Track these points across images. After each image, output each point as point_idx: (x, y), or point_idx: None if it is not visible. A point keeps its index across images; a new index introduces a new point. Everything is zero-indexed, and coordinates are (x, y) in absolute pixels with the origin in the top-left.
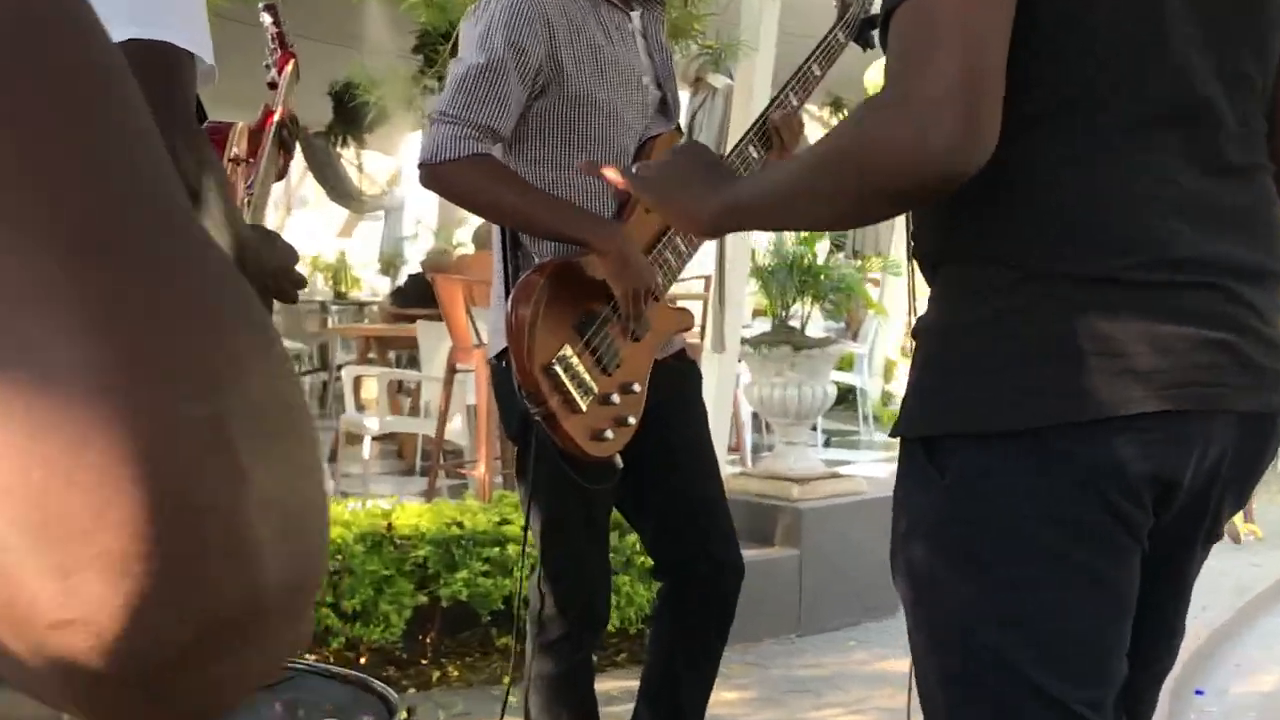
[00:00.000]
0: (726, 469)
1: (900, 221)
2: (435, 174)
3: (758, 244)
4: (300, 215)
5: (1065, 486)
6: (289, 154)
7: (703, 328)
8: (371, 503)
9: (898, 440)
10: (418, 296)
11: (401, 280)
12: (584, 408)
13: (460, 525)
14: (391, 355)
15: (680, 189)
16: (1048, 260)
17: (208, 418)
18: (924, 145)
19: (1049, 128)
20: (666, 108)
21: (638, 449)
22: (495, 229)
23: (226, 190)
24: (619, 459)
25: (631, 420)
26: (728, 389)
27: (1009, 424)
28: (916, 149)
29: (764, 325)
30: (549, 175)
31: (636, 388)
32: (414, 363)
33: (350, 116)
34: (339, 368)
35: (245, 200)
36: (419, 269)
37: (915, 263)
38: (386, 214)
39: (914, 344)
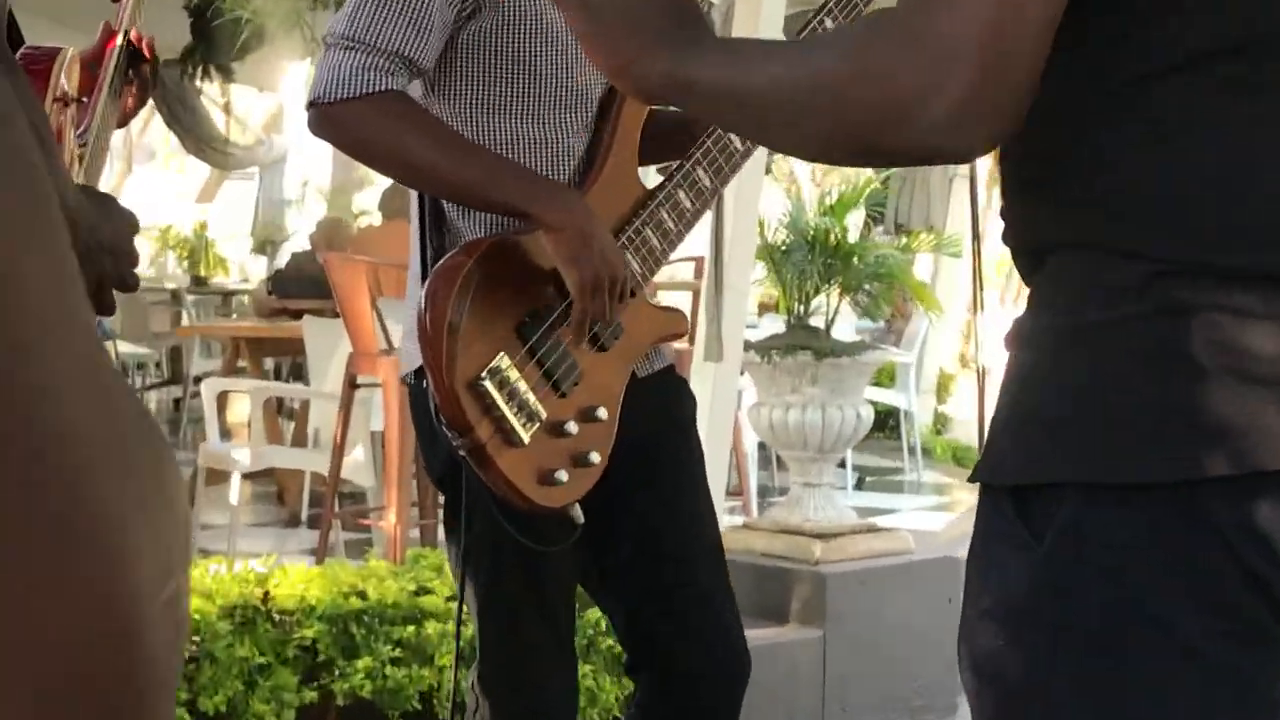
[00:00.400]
0: (725, 520)
1: (962, 183)
2: (329, 117)
3: (767, 215)
4: (144, 173)
5: (1213, 559)
6: (142, 91)
7: (692, 328)
8: (241, 565)
9: (954, 482)
10: (304, 284)
11: (282, 262)
12: (526, 439)
13: (362, 596)
14: (268, 364)
15: (620, 13)
16: (1192, 249)
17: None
18: (924, 104)
19: (1189, 80)
20: None
21: (606, 498)
22: (412, 195)
23: (48, 142)
24: (578, 511)
25: (595, 458)
26: (726, 412)
27: (1143, 473)
28: (914, 105)
29: (775, 325)
30: (483, 122)
31: (602, 413)
32: (299, 374)
33: (214, 40)
34: (197, 380)
35: (76, 154)
36: (306, 246)
37: (1011, 251)
38: (262, 172)
39: (1008, 353)
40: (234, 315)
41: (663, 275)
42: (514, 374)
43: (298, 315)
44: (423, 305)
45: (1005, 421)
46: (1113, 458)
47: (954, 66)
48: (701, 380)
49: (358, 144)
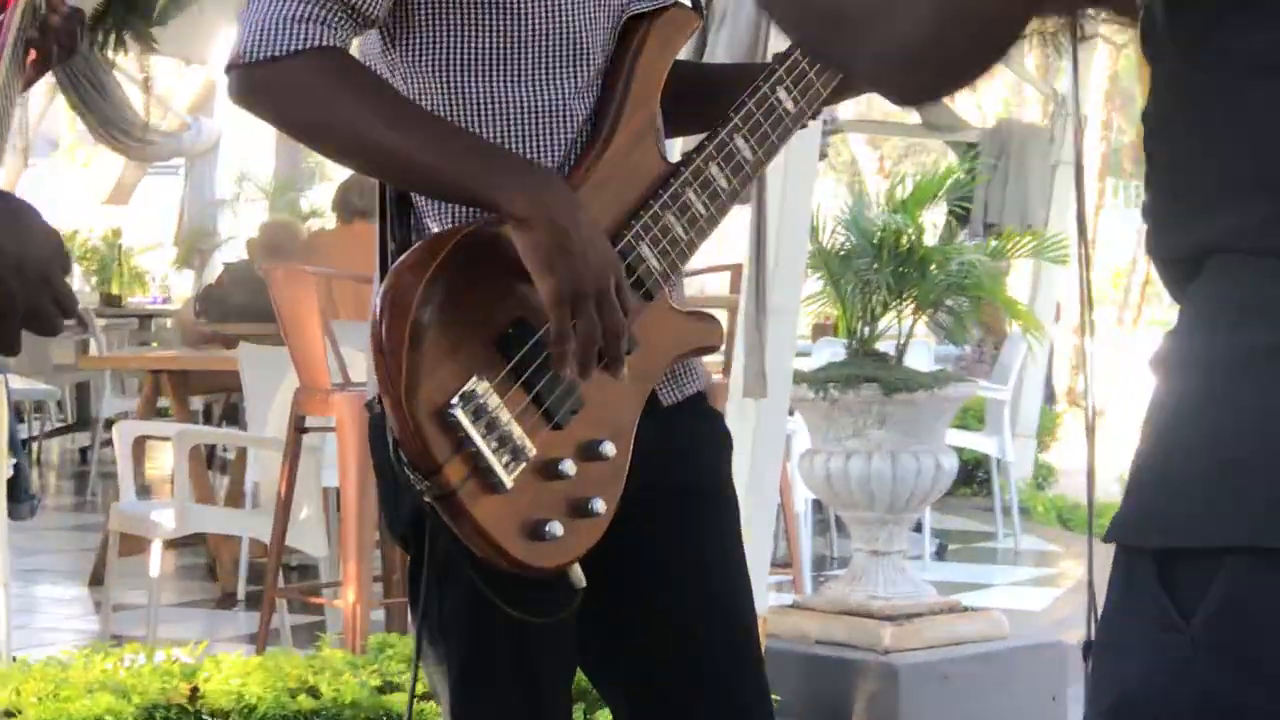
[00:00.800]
0: (769, 598)
1: (1067, 171)
2: (252, 81)
3: (823, 210)
4: (44, 166)
5: None
6: (48, 51)
7: (729, 357)
8: (164, 654)
9: (1059, 549)
10: (240, 303)
11: (213, 276)
12: (509, 482)
13: (313, 693)
14: (196, 403)
15: None
16: None
17: None
18: (871, 28)
19: None
20: None
21: (613, 559)
22: (375, 184)
23: None
24: (578, 573)
25: (599, 506)
26: (771, 461)
27: None
28: (862, 27)
29: (832, 351)
30: (453, 83)
31: (609, 449)
32: (234, 415)
33: (130, 0)
34: (108, 424)
35: None
36: (243, 255)
37: (1151, 262)
38: (189, 164)
39: (1155, 381)
40: (154, 344)
41: (690, 287)
42: (493, 399)
43: (232, 343)
44: (377, 313)
45: (1149, 466)
46: None
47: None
48: (741, 421)
49: (286, 114)
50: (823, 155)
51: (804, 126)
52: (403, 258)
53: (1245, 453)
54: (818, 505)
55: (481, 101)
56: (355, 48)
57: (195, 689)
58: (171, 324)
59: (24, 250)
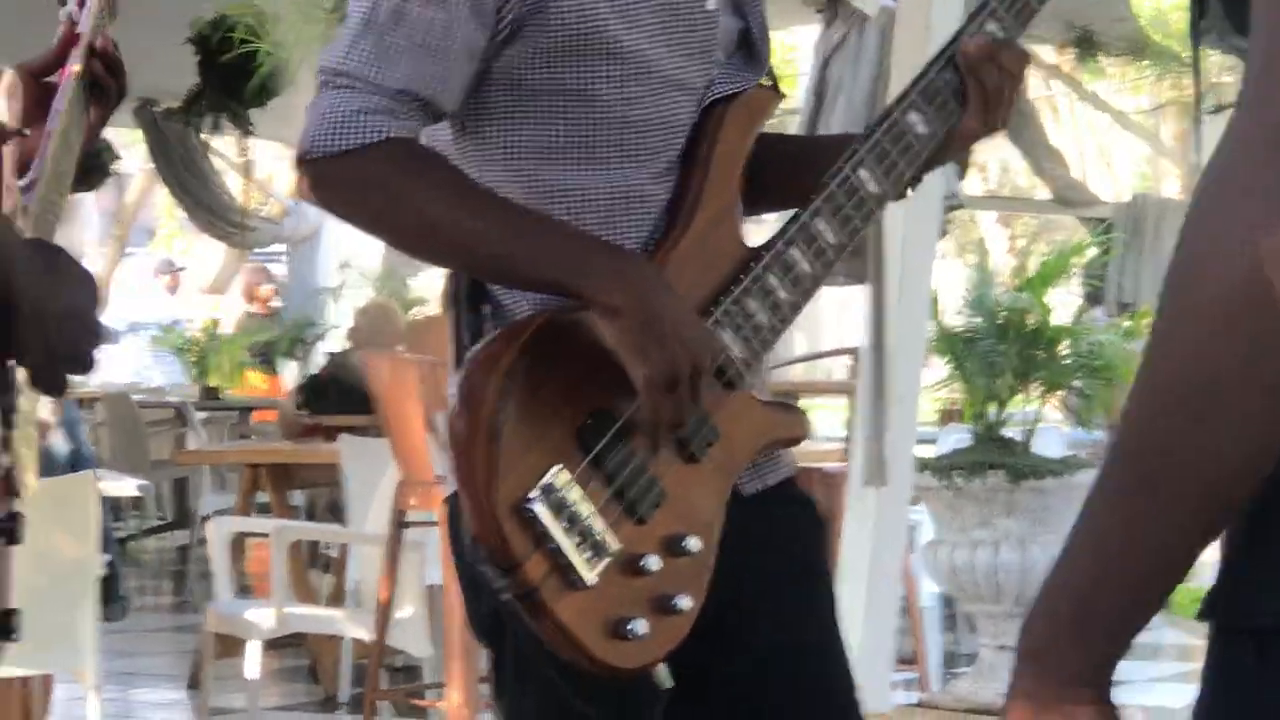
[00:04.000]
0: (895, 696)
1: None
2: (322, 175)
3: (944, 287)
4: (141, 255)
5: None
6: (105, 107)
7: (846, 442)
8: None
9: (1202, 643)
10: (342, 394)
11: (316, 367)
12: (591, 579)
13: None
14: (297, 498)
15: None
16: None
17: None
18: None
19: None
20: (751, 46)
21: (702, 657)
22: (446, 275)
23: None
24: (664, 673)
25: (685, 603)
26: (893, 549)
27: None
28: None
29: (958, 437)
30: (528, 172)
31: (694, 544)
32: (337, 510)
33: (227, 81)
34: (203, 519)
35: (20, 203)
36: (346, 345)
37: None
38: (291, 250)
39: None
40: (254, 437)
41: (817, 371)
42: (574, 493)
43: (334, 435)
44: (453, 406)
45: (1248, 533)
46: None
47: None
48: (861, 511)
49: (357, 208)
50: (944, 233)
51: (884, 204)
52: (477, 348)
53: None
54: (947, 599)
55: (557, 188)
56: (423, 136)
57: None
58: (276, 418)
59: (63, 297)
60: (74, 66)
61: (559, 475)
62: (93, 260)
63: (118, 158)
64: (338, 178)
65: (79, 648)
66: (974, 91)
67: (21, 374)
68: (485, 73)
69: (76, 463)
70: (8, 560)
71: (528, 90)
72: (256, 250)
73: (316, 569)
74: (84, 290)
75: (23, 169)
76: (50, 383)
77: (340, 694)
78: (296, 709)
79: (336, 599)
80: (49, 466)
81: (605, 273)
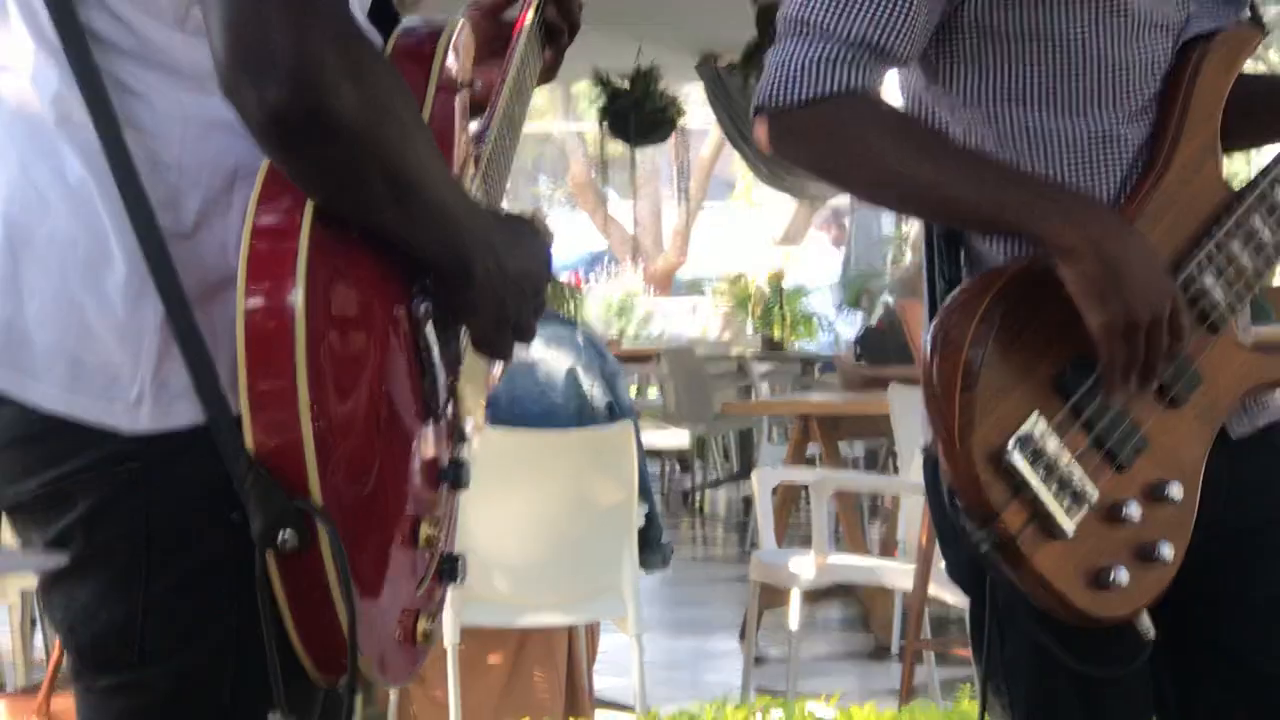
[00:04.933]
0: None
1: None
2: (786, 126)
3: None
4: (720, 209)
5: None
6: (558, 49)
7: None
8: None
9: None
10: (899, 344)
11: (875, 318)
12: (1071, 529)
13: None
14: (854, 449)
15: None
16: None
17: None
18: None
19: None
20: None
21: (1185, 606)
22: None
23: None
24: (1147, 622)
25: (1167, 552)
26: None
27: None
28: None
29: None
30: (998, 116)
31: (1175, 491)
32: (889, 459)
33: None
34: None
35: (471, 154)
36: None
37: None
38: (855, 202)
39: None
40: (816, 390)
41: None
42: (1052, 441)
43: (884, 384)
44: (928, 353)
45: None
46: None
47: None
48: None
49: (817, 158)
50: None
51: None
52: (953, 295)
53: None
54: None
55: (1031, 133)
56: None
57: None
58: (836, 367)
59: (522, 268)
60: (528, 12)
61: (1036, 423)
62: (668, 214)
63: (682, 112)
64: (796, 129)
65: (621, 596)
66: None
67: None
68: (953, 20)
69: (614, 413)
70: (455, 506)
71: (998, 35)
72: (823, 205)
73: (877, 520)
74: (536, 257)
75: (475, 112)
76: (496, 348)
77: (891, 645)
78: (845, 658)
79: (888, 549)
80: (588, 417)
81: (1061, 217)
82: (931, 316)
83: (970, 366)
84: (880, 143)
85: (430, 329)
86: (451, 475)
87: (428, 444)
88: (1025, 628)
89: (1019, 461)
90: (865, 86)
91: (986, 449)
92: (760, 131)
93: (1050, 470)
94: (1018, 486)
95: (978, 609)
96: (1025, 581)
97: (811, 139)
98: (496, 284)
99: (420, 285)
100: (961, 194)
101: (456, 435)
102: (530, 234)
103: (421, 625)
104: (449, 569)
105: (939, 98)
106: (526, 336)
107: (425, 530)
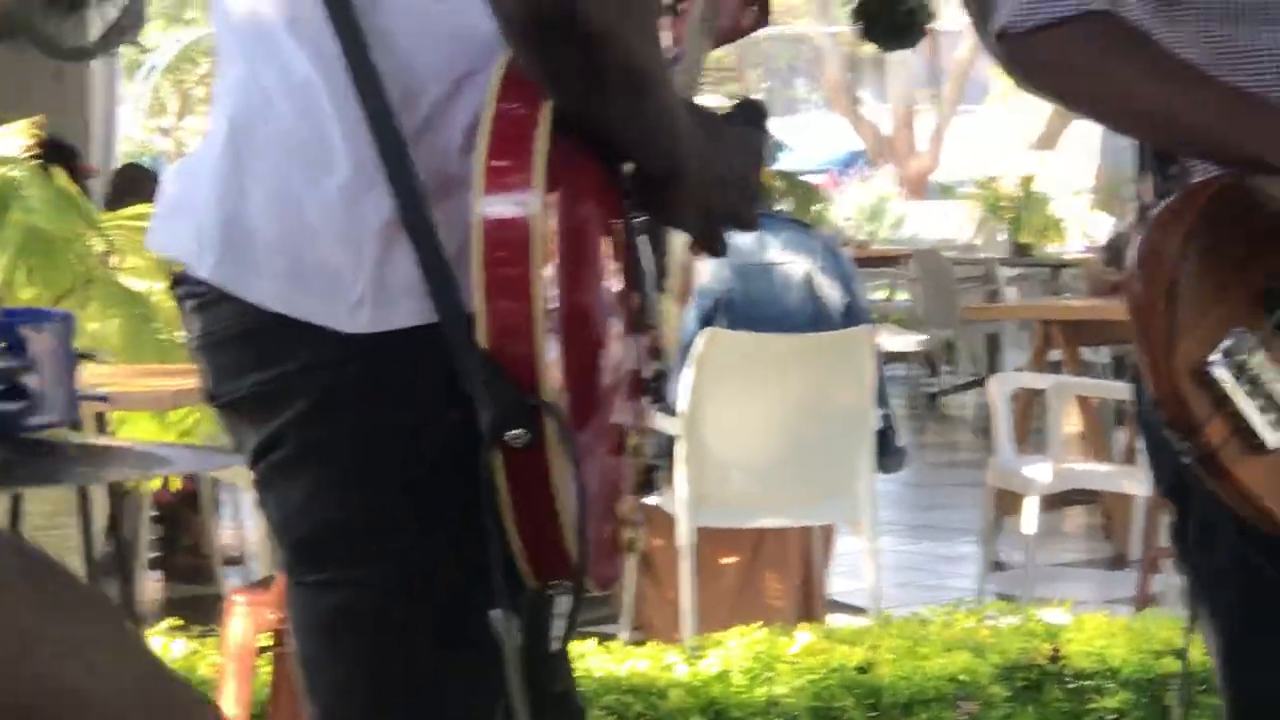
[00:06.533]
0: None
1: None
2: (1026, 51)
3: None
4: (977, 112)
5: None
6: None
7: None
8: (1034, 614)
9: None
10: None
11: (1124, 224)
12: (1272, 443)
13: (1180, 655)
14: (1094, 354)
15: None
16: None
17: None
18: None
19: None
20: None
21: None
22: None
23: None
24: None
25: None
26: None
27: None
28: None
29: None
30: (1215, 37)
31: None
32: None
33: None
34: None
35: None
36: None
37: None
38: None
39: None
40: (1065, 295)
41: None
42: (1257, 356)
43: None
44: (1132, 267)
45: None
46: None
47: None
48: None
49: (1056, 83)
50: None
51: None
52: (1157, 211)
53: None
54: None
55: (1247, 50)
56: None
57: (1057, 650)
58: (1084, 273)
59: (726, 164)
60: None
61: (1241, 338)
62: (924, 117)
63: (933, 16)
64: (1035, 54)
65: (856, 499)
66: None
67: (682, 237)
68: None
69: (850, 316)
70: (650, 418)
71: None
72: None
73: (1125, 427)
74: (746, 154)
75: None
76: (710, 243)
77: (1130, 552)
78: (1083, 565)
79: (1132, 457)
80: (824, 321)
81: None
82: (1139, 229)
83: (1174, 282)
84: (1121, 69)
85: (644, 243)
86: (654, 388)
87: (638, 355)
88: (1228, 539)
89: (1222, 374)
90: (1104, 9)
91: (1190, 362)
92: (1000, 55)
93: (1254, 385)
94: (1220, 400)
95: (1181, 521)
96: (1228, 494)
97: (1051, 64)
98: (707, 181)
99: (633, 200)
100: (1196, 119)
101: (658, 350)
102: (734, 132)
103: (627, 533)
104: (647, 481)
105: (1157, 14)
106: (747, 226)
107: (633, 439)
